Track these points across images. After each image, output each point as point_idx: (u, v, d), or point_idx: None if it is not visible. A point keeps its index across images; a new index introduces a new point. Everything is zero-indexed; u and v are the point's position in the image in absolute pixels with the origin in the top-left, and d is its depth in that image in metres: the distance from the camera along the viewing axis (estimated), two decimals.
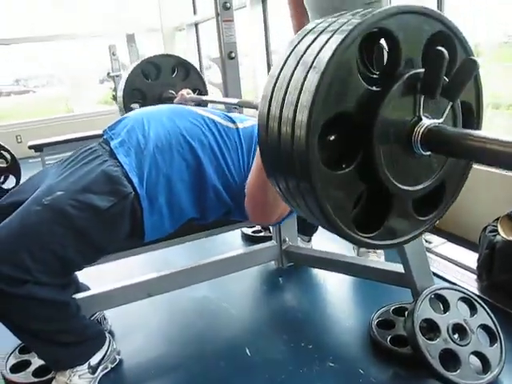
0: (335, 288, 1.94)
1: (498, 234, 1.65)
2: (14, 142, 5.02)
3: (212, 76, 2.58)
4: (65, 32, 5.99)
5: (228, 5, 2.05)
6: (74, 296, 1.37)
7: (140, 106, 2.54)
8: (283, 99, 0.68)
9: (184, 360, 1.52)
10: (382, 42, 0.72)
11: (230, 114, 1.57)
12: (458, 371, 1.24)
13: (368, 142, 0.69)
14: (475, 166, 2.16)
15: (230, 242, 2.39)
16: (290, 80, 0.68)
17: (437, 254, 2.00)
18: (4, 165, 2.68)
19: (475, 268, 1.78)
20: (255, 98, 1.80)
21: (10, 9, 6.17)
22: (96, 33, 6.10)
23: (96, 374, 1.37)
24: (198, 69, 5.76)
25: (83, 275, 1.57)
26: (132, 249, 1.52)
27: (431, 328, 1.31)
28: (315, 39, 0.68)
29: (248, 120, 1.54)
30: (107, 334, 1.43)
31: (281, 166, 0.72)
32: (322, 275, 1.99)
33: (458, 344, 1.28)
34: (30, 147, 3.84)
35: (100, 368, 1.39)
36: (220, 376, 1.44)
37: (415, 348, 1.28)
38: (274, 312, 1.80)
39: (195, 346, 1.60)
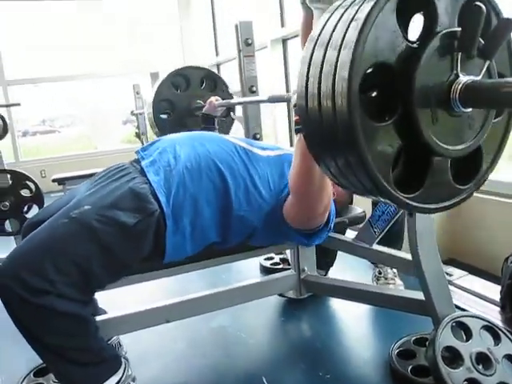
0: (354, 318, 1.91)
1: None
2: (38, 177, 5.15)
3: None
4: (90, 71, 6.27)
5: (249, 41, 2.13)
6: None
7: (168, 117, 2.60)
8: (323, 57, 0.71)
9: None
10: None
11: (259, 142, 1.62)
12: None
13: (407, 97, 0.70)
14: (495, 197, 2.16)
15: (247, 273, 2.39)
16: (329, 39, 0.71)
17: (458, 287, 1.96)
18: (28, 194, 2.74)
19: (498, 300, 1.74)
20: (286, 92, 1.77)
21: (35, 49, 6.47)
22: (121, 72, 6.36)
23: None
24: None
25: (100, 299, 1.59)
26: (150, 272, 1.53)
27: (454, 356, 1.28)
28: (338, 22, 0.71)
29: (279, 149, 1.58)
30: (123, 359, 1.42)
31: (328, 147, 0.75)
32: (340, 305, 1.97)
33: (482, 374, 1.24)
34: (54, 180, 3.97)
35: None
36: None
37: (437, 377, 1.24)
38: (292, 341, 1.77)
39: (212, 375, 1.58)
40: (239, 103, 2.18)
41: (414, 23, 0.77)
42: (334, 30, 0.71)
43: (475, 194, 2.14)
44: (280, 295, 2.03)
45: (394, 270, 2.05)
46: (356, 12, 0.68)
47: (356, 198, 1.84)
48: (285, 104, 4.11)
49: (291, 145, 4.18)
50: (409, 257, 1.43)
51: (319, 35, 0.75)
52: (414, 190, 0.77)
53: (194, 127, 2.52)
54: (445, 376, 1.21)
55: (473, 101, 0.72)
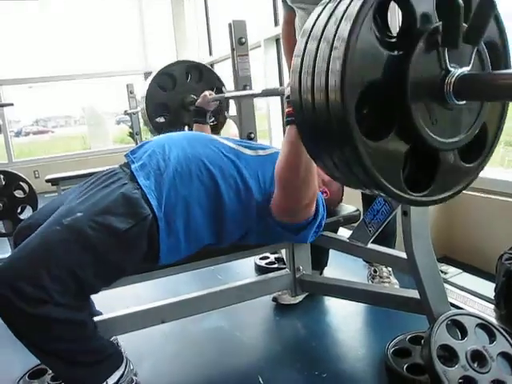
0: (349, 316, 1.91)
1: None
2: (31, 177, 5.12)
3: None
4: (82, 72, 6.24)
5: (243, 40, 2.13)
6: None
7: (165, 119, 2.57)
8: (312, 82, 0.70)
9: None
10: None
11: (250, 142, 1.61)
12: None
13: (403, 106, 0.69)
14: (489, 195, 2.17)
15: (243, 272, 2.39)
16: (314, 62, 0.70)
17: (453, 285, 1.97)
18: (22, 195, 2.72)
19: (492, 297, 1.74)
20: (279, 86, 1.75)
21: (28, 49, 6.43)
22: (114, 72, 6.34)
23: None
24: None
25: (95, 300, 1.58)
26: (145, 273, 1.52)
27: (449, 355, 1.28)
28: (330, 17, 0.70)
29: (270, 148, 1.58)
30: (124, 355, 1.42)
31: (323, 142, 0.74)
32: (335, 303, 1.97)
33: (477, 371, 1.24)
34: (47, 181, 3.93)
35: None
36: None
37: (433, 375, 1.24)
38: (287, 340, 1.77)
39: (207, 374, 1.58)
40: (233, 97, 2.16)
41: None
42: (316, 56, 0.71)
43: (469, 192, 2.16)
44: (273, 300, 2.02)
45: (389, 269, 2.05)
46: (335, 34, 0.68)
47: (346, 195, 1.83)
48: (280, 104, 4.13)
49: None
50: (404, 255, 1.43)
51: (311, 30, 0.74)
52: (425, 186, 0.77)
53: (191, 123, 2.50)
54: (440, 374, 1.22)
55: (467, 94, 0.72)
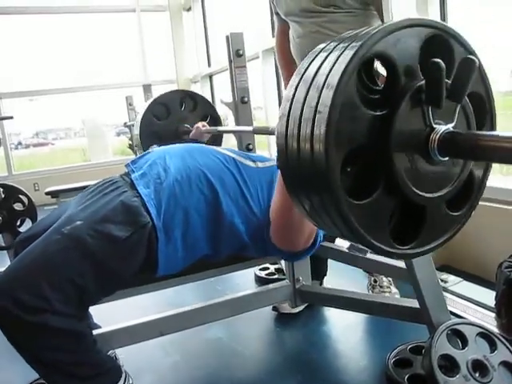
0: (350, 327, 1.90)
1: None
2: (31, 190, 5.13)
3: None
4: (83, 84, 6.28)
5: (241, 52, 2.14)
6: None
7: (159, 146, 2.58)
8: (298, 136, 0.71)
9: None
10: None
11: (250, 154, 1.62)
12: None
13: (388, 165, 0.70)
14: (489, 203, 2.17)
15: (242, 283, 2.38)
16: (300, 123, 0.71)
17: (453, 293, 1.96)
18: (21, 208, 2.73)
19: (493, 306, 1.74)
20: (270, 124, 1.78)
21: (29, 62, 6.48)
22: (113, 84, 6.37)
23: None
24: None
25: (94, 313, 1.57)
26: (144, 285, 1.52)
27: (450, 364, 1.27)
28: (314, 77, 0.71)
29: (270, 161, 1.58)
30: (123, 369, 1.41)
31: (304, 190, 0.74)
32: (336, 314, 1.96)
33: (478, 381, 1.24)
34: (47, 193, 3.93)
35: None
36: None
37: None
38: (288, 352, 1.76)
39: None
40: (226, 131, 2.20)
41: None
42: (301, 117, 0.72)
43: None
44: (273, 309, 2.01)
45: (390, 278, 2.04)
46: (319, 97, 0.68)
47: None
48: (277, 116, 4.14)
49: None
50: (402, 265, 1.43)
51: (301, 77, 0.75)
52: (413, 238, 0.77)
53: None
54: None
55: (450, 152, 0.73)
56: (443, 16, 2.44)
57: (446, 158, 0.73)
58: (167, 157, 1.43)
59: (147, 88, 4.36)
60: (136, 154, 4.84)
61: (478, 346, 1.31)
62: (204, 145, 1.73)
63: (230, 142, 2.98)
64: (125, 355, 1.67)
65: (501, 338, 1.35)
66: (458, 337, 1.33)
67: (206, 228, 1.37)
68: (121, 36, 6.74)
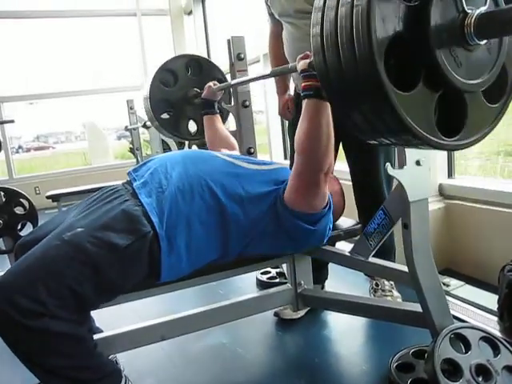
0: (352, 331, 1.89)
1: None
2: (32, 193, 5.13)
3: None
4: (83, 88, 6.28)
5: (242, 56, 2.14)
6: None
7: (169, 115, 2.56)
8: (336, 41, 0.73)
9: None
10: None
11: (252, 159, 1.62)
12: None
13: (428, 54, 0.71)
14: (491, 207, 2.16)
15: (244, 286, 2.37)
16: (336, 22, 0.73)
17: (455, 297, 1.96)
18: (22, 212, 2.73)
19: (496, 309, 1.73)
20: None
21: (29, 66, 6.49)
22: (114, 88, 6.38)
23: None
24: None
25: (95, 317, 1.57)
26: (145, 290, 1.51)
27: (453, 369, 1.26)
28: None
29: (273, 164, 1.59)
30: (123, 374, 1.40)
31: (351, 97, 0.76)
32: (338, 318, 1.95)
33: None
34: (48, 197, 3.94)
35: None
36: None
37: None
38: (290, 356, 1.76)
39: None
40: (237, 83, 2.12)
41: None
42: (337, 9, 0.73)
43: (471, 204, 2.15)
44: (275, 315, 2.01)
45: (391, 282, 2.04)
46: None
47: None
48: (279, 119, 4.15)
49: (285, 157, 4.19)
50: (405, 268, 1.42)
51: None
52: (457, 130, 0.79)
53: (196, 116, 2.53)
54: None
55: (487, 32, 0.74)
56: None
57: (483, 42, 0.74)
58: (168, 164, 1.43)
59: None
60: (137, 158, 4.85)
61: (481, 351, 1.30)
62: (204, 150, 1.72)
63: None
64: (126, 359, 1.67)
65: (504, 342, 1.34)
66: (461, 341, 1.32)
67: (211, 235, 1.37)
68: (122, 40, 6.75)
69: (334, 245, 1.90)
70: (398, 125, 0.73)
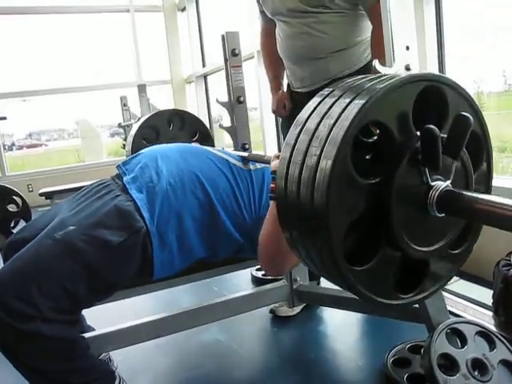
0: (348, 327, 1.90)
1: None
2: (25, 191, 5.09)
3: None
4: (76, 85, 6.24)
5: (236, 51, 2.12)
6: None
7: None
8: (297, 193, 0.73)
9: None
10: None
11: (242, 156, 1.60)
12: None
13: (388, 229, 0.71)
14: None
15: (239, 283, 2.37)
16: (299, 183, 0.73)
17: (450, 292, 1.96)
18: (15, 209, 2.71)
19: (490, 304, 1.74)
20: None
21: (22, 63, 6.43)
22: (107, 85, 6.34)
23: None
24: (207, 117, 5.88)
25: (88, 315, 1.55)
26: (140, 286, 1.50)
27: (449, 363, 1.26)
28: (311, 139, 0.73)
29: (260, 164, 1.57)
30: (117, 374, 1.39)
31: (303, 241, 0.77)
32: (333, 314, 1.95)
33: (478, 380, 1.23)
34: (41, 194, 3.91)
35: None
36: None
37: None
38: (285, 352, 1.75)
39: None
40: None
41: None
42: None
43: None
44: (271, 312, 2.00)
45: None
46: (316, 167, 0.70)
47: None
48: (273, 116, 4.14)
49: (279, 151, 4.19)
50: None
51: (304, 124, 0.77)
52: (415, 286, 0.80)
53: None
54: (441, 383, 1.20)
55: (447, 209, 0.74)
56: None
57: (442, 215, 0.75)
58: (159, 158, 1.40)
59: (142, 88, 4.32)
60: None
61: (477, 345, 1.30)
62: (197, 145, 1.70)
63: (225, 141, 2.96)
64: (121, 357, 1.66)
65: (500, 336, 1.34)
66: (457, 336, 1.32)
67: (201, 231, 1.35)
68: (115, 36, 6.71)
69: None
70: (350, 290, 0.74)
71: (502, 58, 2.55)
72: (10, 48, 6.41)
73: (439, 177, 0.75)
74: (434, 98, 0.76)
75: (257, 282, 2.37)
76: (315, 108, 0.77)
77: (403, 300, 0.77)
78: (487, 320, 1.69)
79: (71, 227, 1.21)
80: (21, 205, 2.72)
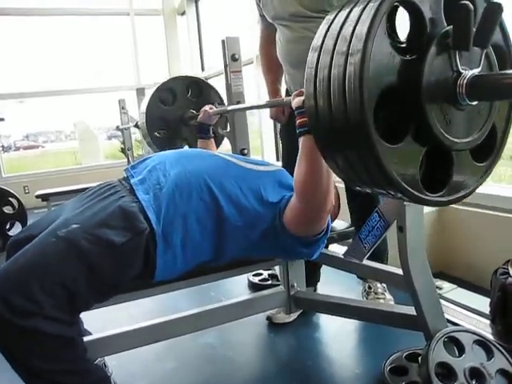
0: (344, 334, 1.89)
1: (510, 276, 1.62)
2: (21, 193, 5.07)
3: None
4: (75, 87, 6.22)
5: (236, 56, 2.12)
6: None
7: (163, 133, 2.53)
8: (328, 87, 0.72)
9: None
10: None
11: (250, 158, 1.60)
12: None
13: (418, 108, 0.71)
14: (483, 210, 2.17)
15: (236, 289, 2.36)
16: (330, 69, 0.73)
17: (448, 300, 1.96)
18: (11, 211, 2.69)
19: (488, 313, 1.73)
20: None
21: (20, 64, 6.42)
22: (106, 88, 6.34)
23: None
24: None
25: (84, 319, 1.54)
26: (137, 290, 1.49)
27: (447, 372, 1.26)
28: (343, 24, 0.73)
29: (271, 165, 1.58)
30: (112, 379, 1.38)
31: (338, 144, 0.76)
32: (330, 320, 1.94)
33: None
34: (37, 196, 3.89)
35: None
36: None
37: None
38: (282, 359, 1.74)
39: None
40: (234, 110, 2.11)
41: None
42: (335, 44, 0.73)
43: (464, 207, 2.15)
44: (267, 319, 1.99)
45: (384, 285, 2.03)
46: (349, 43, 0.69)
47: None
48: (271, 121, 4.14)
49: (277, 159, 4.19)
50: (399, 271, 1.42)
51: (324, 37, 0.77)
52: (441, 187, 0.80)
53: (190, 138, 2.50)
54: None
55: (478, 94, 0.74)
56: None
57: (474, 103, 0.75)
58: (167, 162, 1.41)
59: (140, 91, 4.31)
60: (128, 158, 4.81)
61: (474, 354, 1.30)
62: (203, 149, 1.70)
63: (224, 147, 2.96)
64: (117, 361, 1.65)
65: (497, 345, 1.34)
66: (454, 344, 1.32)
67: (207, 234, 1.35)
68: (114, 39, 6.71)
69: (327, 247, 1.89)
70: (382, 177, 0.73)
71: None
72: (8, 49, 6.40)
73: (467, 68, 0.75)
74: None
75: (253, 287, 2.36)
76: (332, 21, 0.77)
77: (427, 196, 0.77)
78: (484, 328, 1.69)
79: (74, 225, 1.21)
80: (17, 207, 2.71)
